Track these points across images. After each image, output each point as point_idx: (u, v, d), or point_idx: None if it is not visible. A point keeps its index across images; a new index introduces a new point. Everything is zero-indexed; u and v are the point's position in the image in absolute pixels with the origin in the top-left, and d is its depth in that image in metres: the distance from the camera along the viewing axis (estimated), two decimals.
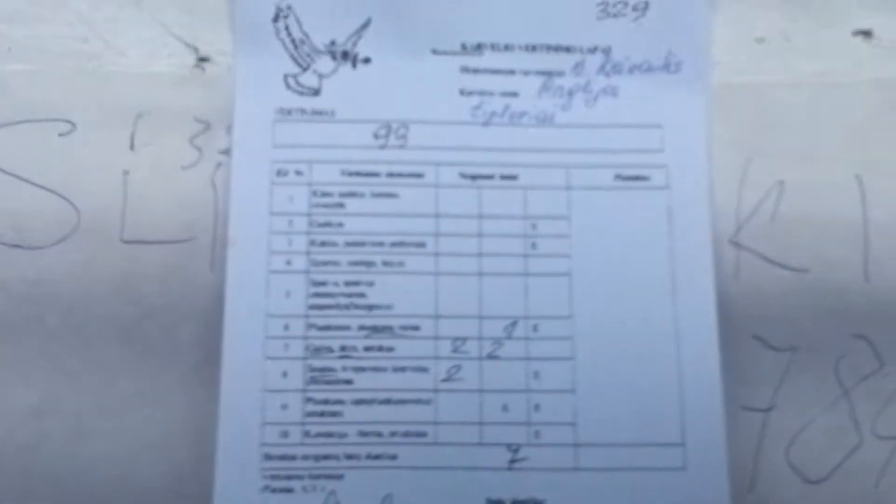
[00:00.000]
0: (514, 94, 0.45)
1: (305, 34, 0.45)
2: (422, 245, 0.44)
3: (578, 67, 0.45)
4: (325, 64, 0.45)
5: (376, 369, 0.43)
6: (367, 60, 0.45)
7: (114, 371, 0.44)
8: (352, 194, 0.44)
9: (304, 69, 0.45)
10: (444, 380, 0.43)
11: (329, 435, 0.43)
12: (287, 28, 0.45)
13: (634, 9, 0.45)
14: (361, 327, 0.43)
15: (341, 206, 0.44)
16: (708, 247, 0.44)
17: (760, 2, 0.46)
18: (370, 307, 0.44)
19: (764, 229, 0.45)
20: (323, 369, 0.43)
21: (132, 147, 0.45)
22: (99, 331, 0.44)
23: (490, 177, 0.45)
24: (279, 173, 0.44)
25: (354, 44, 0.45)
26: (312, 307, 0.43)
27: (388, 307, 0.44)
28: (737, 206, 0.45)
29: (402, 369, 0.43)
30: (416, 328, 0.43)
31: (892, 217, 0.45)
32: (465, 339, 0.43)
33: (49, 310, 0.44)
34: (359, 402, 0.43)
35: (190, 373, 0.44)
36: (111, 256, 0.44)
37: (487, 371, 0.43)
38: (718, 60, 0.46)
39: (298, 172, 0.44)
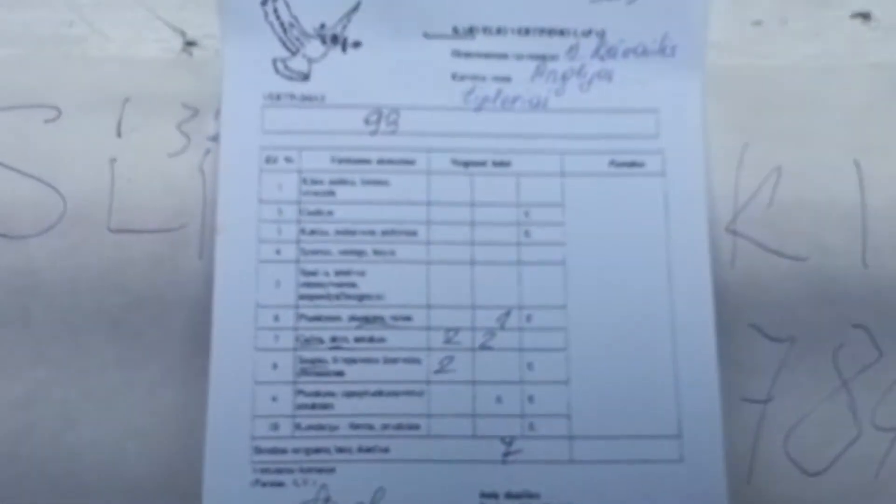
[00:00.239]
0: (507, 79, 0.44)
1: (294, 17, 0.44)
2: (413, 233, 0.43)
3: (572, 51, 0.44)
4: (314, 48, 0.44)
5: (368, 360, 0.43)
6: (357, 44, 0.44)
7: (102, 361, 0.43)
8: (342, 182, 0.44)
9: (294, 53, 0.44)
10: (437, 371, 0.42)
11: (320, 427, 0.42)
12: (276, 11, 0.44)
13: None
14: (352, 318, 0.43)
15: (332, 193, 0.43)
16: (704, 235, 0.43)
17: None
18: (361, 297, 0.43)
19: (761, 216, 0.44)
20: (313, 360, 0.42)
21: (119, 134, 0.44)
22: (86, 321, 0.43)
23: (482, 163, 0.44)
24: (268, 160, 0.43)
25: (344, 27, 0.44)
26: (303, 297, 0.43)
27: (380, 297, 0.43)
28: (734, 192, 0.44)
29: (394, 360, 0.42)
30: (407, 318, 0.43)
31: (891, 202, 0.45)
32: (457, 330, 0.43)
33: (35, 300, 0.43)
34: (350, 394, 0.42)
35: (179, 362, 0.43)
36: (98, 245, 0.44)
37: (480, 362, 0.43)
38: (715, 43, 0.45)
39: (288, 159, 0.44)
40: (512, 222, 0.43)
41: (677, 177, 0.44)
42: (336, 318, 0.43)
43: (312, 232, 0.43)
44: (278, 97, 0.44)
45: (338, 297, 0.43)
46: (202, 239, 0.44)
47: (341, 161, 0.44)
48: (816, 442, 0.44)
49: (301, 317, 0.43)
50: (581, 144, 0.44)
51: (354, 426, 0.42)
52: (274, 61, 0.44)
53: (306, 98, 0.44)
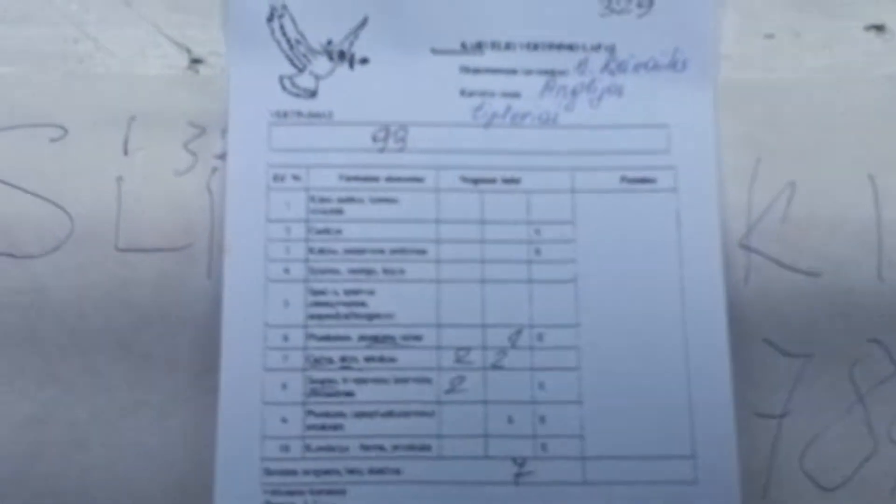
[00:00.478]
0: (516, 95, 0.44)
1: (301, 34, 0.44)
2: (423, 252, 0.43)
3: (582, 66, 0.44)
4: (321, 65, 0.44)
5: (378, 381, 0.42)
6: (364, 61, 0.44)
7: (110, 380, 0.43)
8: (350, 200, 0.43)
9: (301, 70, 0.44)
10: (448, 391, 0.42)
11: (330, 449, 0.42)
12: (282, 28, 0.44)
13: (639, 5, 0.44)
14: (362, 337, 0.42)
15: (340, 212, 0.43)
16: (717, 251, 0.43)
17: None
18: (371, 316, 0.43)
19: (775, 231, 0.44)
20: (323, 381, 0.42)
21: (125, 152, 0.44)
22: (94, 340, 0.43)
23: (492, 180, 0.43)
24: (276, 178, 0.43)
25: (351, 44, 0.44)
26: (312, 317, 0.42)
27: (389, 316, 0.43)
28: (747, 208, 0.44)
29: (405, 380, 0.42)
30: (418, 338, 0.42)
31: None
32: (468, 349, 0.42)
33: (43, 319, 0.43)
34: (360, 414, 0.42)
35: (188, 381, 0.43)
36: (106, 264, 0.43)
37: (492, 382, 0.42)
38: (727, 57, 0.44)
39: (296, 177, 0.43)
40: (522, 240, 0.43)
41: (689, 193, 0.43)
42: (346, 338, 0.42)
43: (321, 251, 0.43)
44: (285, 115, 0.44)
45: (347, 316, 0.43)
46: (210, 257, 0.43)
47: (349, 179, 0.43)
48: (832, 457, 0.43)
49: (310, 336, 0.42)
50: (591, 161, 0.43)
51: (365, 447, 0.42)
52: (281, 78, 0.44)
53: (314, 115, 0.44)
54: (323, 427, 0.42)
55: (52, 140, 0.44)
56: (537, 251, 0.43)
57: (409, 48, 0.44)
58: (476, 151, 0.44)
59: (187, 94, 0.44)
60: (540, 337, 0.42)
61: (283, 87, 0.44)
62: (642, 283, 0.43)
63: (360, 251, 0.43)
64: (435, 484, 0.42)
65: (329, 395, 0.42)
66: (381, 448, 0.42)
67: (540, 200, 0.43)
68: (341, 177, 0.43)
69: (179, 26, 0.44)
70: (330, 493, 0.42)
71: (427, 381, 0.42)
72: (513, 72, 0.44)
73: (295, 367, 0.42)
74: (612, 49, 0.44)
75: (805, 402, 0.43)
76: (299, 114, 0.44)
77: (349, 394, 0.42)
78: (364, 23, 0.44)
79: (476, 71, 0.44)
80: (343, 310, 0.43)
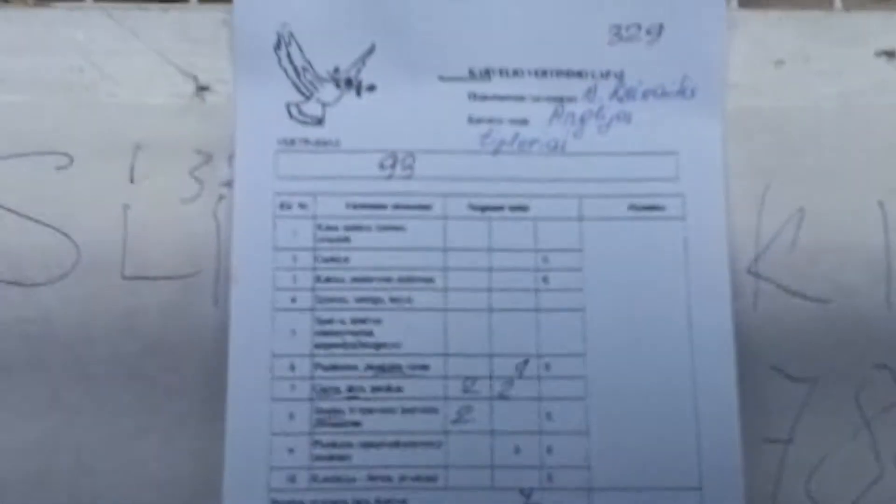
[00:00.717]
0: (524, 122, 0.44)
1: (308, 61, 0.44)
2: (430, 280, 0.43)
3: (590, 93, 0.44)
4: (328, 92, 0.44)
5: (385, 410, 0.42)
6: (371, 88, 0.44)
7: (116, 406, 0.43)
8: (357, 228, 0.43)
9: (307, 98, 0.44)
10: (455, 421, 0.42)
11: (338, 480, 0.42)
12: (289, 55, 0.44)
13: (648, 32, 0.43)
14: (369, 367, 0.42)
15: (347, 240, 0.43)
16: (725, 279, 0.43)
17: (779, 22, 0.45)
18: (378, 345, 0.42)
19: (783, 258, 0.44)
20: (330, 411, 0.42)
21: (132, 180, 0.44)
22: (101, 367, 0.43)
23: (500, 208, 0.43)
24: (282, 206, 0.43)
25: (358, 71, 0.44)
26: (318, 346, 0.42)
27: (396, 345, 0.42)
28: (755, 235, 0.44)
29: (412, 410, 0.42)
30: (425, 367, 0.42)
31: None
32: (475, 379, 0.42)
33: (49, 347, 0.43)
34: (367, 444, 0.42)
35: (194, 408, 0.43)
36: (112, 293, 0.43)
37: (498, 412, 0.42)
38: (736, 83, 0.44)
39: (302, 205, 0.43)
40: (530, 268, 0.43)
41: (698, 221, 0.43)
42: (352, 367, 0.42)
43: (328, 279, 0.43)
44: (292, 142, 0.43)
45: (354, 345, 0.42)
46: (217, 285, 0.43)
47: (356, 206, 0.43)
48: (838, 482, 0.43)
49: (317, 366, 0.42)
50: (600, 188, 0.43)
51: (372, 478, 0.42)
52: (287, 106, 0.44)
53: (321, 143, 0.44)
54: (330, 458, 0.42)
55: (59, 168, 0.44)
56: (545, 279, 0.43)
57: (417, 75, 0.44)
58: (484, 179, 0.43)
59: (194, 122, 0.44)
60: (547, 366, 0.42)
61: (290, 115, 0.44)
62: (650, 311, 0.43)
63: (368, 279, 0.43)
64: None
65: (336, 425, 0.42)
66: (387, 479, 0.42)
67: (548, 228, 0.43)
68: (348, 205, 0.43)
69: (186, 54, 0.44)
70: None
71: (434, 410, 0.42)
72: (521, 99, 0.44)
73: (302, 397, 0.42)
74: (620, 76, 0.44)
75: (811, 427, 0.43)
76: (306, 141, 0.44)
77: (356, 424, 0.42)
78: (371, 50, 0.44)
79: (484, 98, 0.44)
80: (350, 339, 0.43)
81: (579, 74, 0.44)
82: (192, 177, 0.44)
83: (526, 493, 0.42)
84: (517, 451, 0.42)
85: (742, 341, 0.43)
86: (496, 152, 0.44)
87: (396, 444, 0.42)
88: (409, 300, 0.43)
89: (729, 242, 0.43)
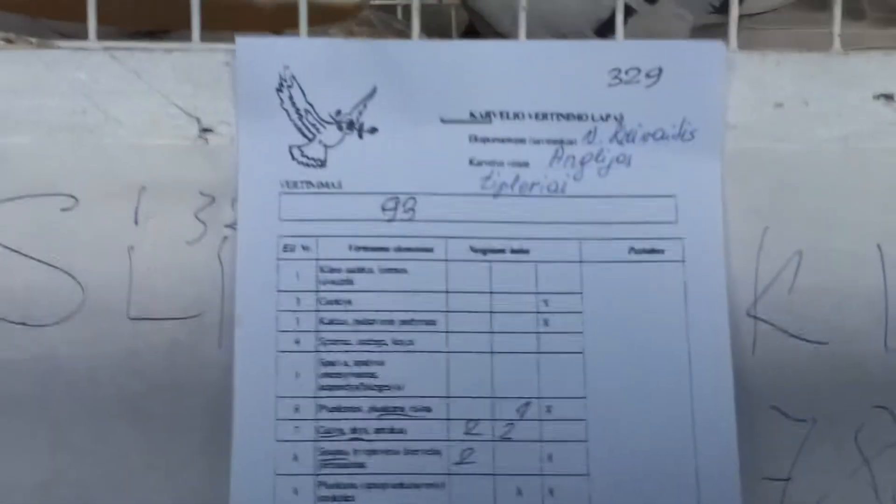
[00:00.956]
0: (525, 164, 0.44)
1: (310, 104, 0.44)
2: (432, 322, 0.43)
3: (590, 136, 0.44)
4: (330, 134, 0.44)
5: (388, 452, 0.43)
6: (373, 130, 0.44)
7: (122, 446, 0.44)
8: (360, 270, 0.43)
9: (310, 140, 0.44)
10: (457, 463, 0.42)
11: None
12: (291, 98, 0.44)
13: (648, 76, 0.44)
14: (373, 408, 0.43)
15: (349, 282, 0.43)
16: (725, 321, 0.43)
17: (778, 65, 0.45)
18: (381, 387, 0.43)
19: (782, 301, 0.44)
20: (335, 452, 0.43)
21: (136, 221, 0.44)
22: (106, 407, 0.44)
23: (501, 251, 0.44)
24: (285, 248, 0.43)
25: (360, 113, 0.44)
26: (322, 388, 0.43)
27: (399, 387, 0.43)
28: (754, 277, 0.44)
29: (415, 452, 0.43)
30: (427, 409, 0.43)
31: None
32: (477, 421, 0.43)
33: (55, 387, 0.44)
34: (371, 486, 0.42)
35: (199, 447, 0.44)
36: (118, 333, 0.44)
37: (500, 454, 0.43)
38: (735, 126, 0.44)
39: (305, 247, 0.43)
40: (531, 311, 0.43)
41: (697, 264, 0.44)
42: (356, 409, 0.43)
43: (331, 321, 0.43)
44: (295, 184, 0.44)
45: (357, 387, 0.43)
46: (221, 326, 0.44)
47: (359, 249, 0.44)
48: None
49: (321, 408, 0.43)
50: (600, 231, 0.44)
51: None
52: (290, 148, 0.44)
53: (323, 185, 0.44)
54: (334, 499, 0.42)
55: (63, 209, 0.44)
56: (545, 322, 0.43)
57: (418, 117, 0.44)
58: (485, 221, 0.44)
59: (197, 164, 0.44)
60: (548, 409, 0.43)
61: (293, 157, 0.44)
62: (649, 353, 0.43)
63: (370, 322, 0.43)
64: None
65: (340, 466, 0.43)
66: None
67: (548, 271, 0.44)
68: (351, 247, 0.44)
69: (189, 96, 0.45)
70: None
71: (437, 452, 0.43)
72: (521, 141, 0.44)
73: (307, 439, 0.43)
74: (620, 119, 0.44)
75: (810, 466, 0.44)
76: (309, 183, 0.44)
77: (360, 465, 0.43)
78: (373, 93, 0.44)
79: (485, 140, 0.44)
80: (354, 381, 0.43)
81: (579, 117, 0.44)
82: (196, 218, 0.44)
83: None
84: (519, 492, 0.42)
85: (741, 382, 0.43)
86: (497, 195, 0.44)
87: (400, 486, 0.42)
88: (411, 342, 0.43)
89: (728, 285, 0.44)
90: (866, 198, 0.45)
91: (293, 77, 0.44)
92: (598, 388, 0.43)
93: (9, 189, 0.44)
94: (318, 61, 0.44)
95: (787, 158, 0.45)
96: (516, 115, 0.44)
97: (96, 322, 0.44)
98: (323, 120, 0.44)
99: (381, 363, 0.43)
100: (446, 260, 0.44)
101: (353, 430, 0.43)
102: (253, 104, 0.44)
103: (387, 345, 0.43)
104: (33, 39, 0.45)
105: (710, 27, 0.60)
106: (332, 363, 0.43)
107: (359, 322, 0.43)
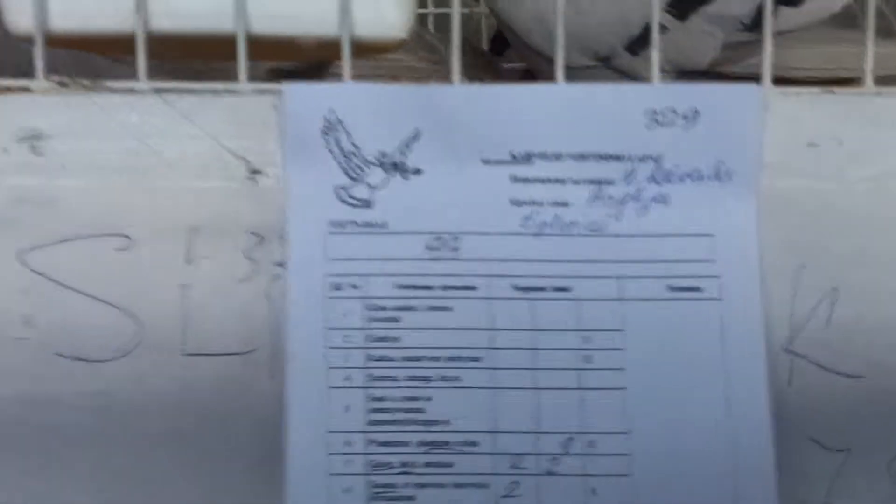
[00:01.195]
0: (565, 204, 0.45)
1: (355, 146, 0.45)
2: (477, 359, 0.45)
3: (629, 176, 0.45)
4: (375, 175, 0.45)
5: (437, 485, 0.44)
6: (417, 171, 0.45)
7: (175, 479, 0.45)
8: (407, 308, 0.45)
9: (355, 181, 0.45)
10: (504, 496, 0.44)
11: None
12: (337, 140, 0.45)
13: (684, 117, 0.45)
14: (421, 443, 0.44)
15: (396, 320, 0.45)
16: (762, 357, 0.44)
17: (812, 105, 0.46)
18: (428, 422, 0.44)
19: (818, 336, 0.45)
20: (385, 485, 0.44)
21: (188, 261, 0.46)
22: (160, 440, 0.45)
23: (542, 289, 0.45)
24: (334, 287, 0.45)
25: (404, 155, 0.45)
26: (372, 423, 0.44)
27: (446, 423, 0.44)
28: (790, 313, 0.45)
29: (462, 486, 0.44)
30: (474, 444, 0.44)
31: None
32: (522, 456, 0.44)
33: (113, 420, 0.45)
34: None
35: (251, 479, 0.45)
36: (172, 368, 0.46)
37: (545, 487, 0.44)
38: (770, 165, 0.45)
39: (353, 286, 0.45)
40: (573, 347, 0.45)
41: (734, 301, 0.45)
42: (405, 444, 0.44)
43: (380, 358, 0.45)
44: (342, 224, 0.45)
45: (405, 422, 0.44)
46: (272, 362, 0.45)
47: (405, 287, 0.45)
48: None
49: (371, 442, 0.44)
50: (639, 269, 0.45)
51: None
52: (336, 189, 0.45)
53: (369, 225, 0.45)
54: None
55: (118, 249, 0.45)
56: (587, 358, 0.45)
57: (461, 159, 0.45)
58: (526, 260, 0.45)
59: (247, 204, 0.46)
60: (591, 444, 0.44)
61: (339, 198, 0.45)
62: (689, 388, 0.44)
63: (417, 358, 0.45)
64: None
65: (391, 499, 0.44)
66: None
67: (589, 308, 0.45)
68: (396, 285, 0.45)
69: (237, 138, 0.46)
70: None
71: (484, 486, 0.44)
72: (561, 182, 0.45)
73: (357, 472, 0.44)
74: (658, 160, 0.45)
75: (845, 493, 0.45)
76: (355, 223, 0.45)
77: (410, 498, 0.44)
78: (416, 135, 0.45)
79: (526, 181, 0.45)
80: (402, 416, 0.45)
81: (618, 158, 0.45)
82: (246, 257, 0.46)
83: None
84: None
85: (778, 413, 0.45)
86: (538, 234, 0.45)
87: None
88: (457, 378, 0.45)
89: (764, 320, 0.45)
90: None
91: (339, 120, 0.45)
92: (639, 422, 0.44)
93: (66, 230, 0.46)
94: (363, 105, 0.45)
95: (821, 196, 0.46)
96: (556, 157, 0.45)
97: (151, 358, 0.45)
98: (368, 161, 0.45)
99: (428, 399, 0.45)
100: (489, 298, 0.45)
101: (403, 465, 0.44)
102: (300, 147, 0.45)
103: (434, 381, 0.45)
104: (86, 81, 0.46)
105: (740, 44, 0.61)
106: (381, 399, 0.45)
107: (406, 359, 0.45)
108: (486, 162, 0.45)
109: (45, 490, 0.45)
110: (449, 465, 0.44)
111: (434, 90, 0.45)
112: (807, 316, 0.45)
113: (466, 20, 0.72)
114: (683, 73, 0.60)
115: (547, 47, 0.59)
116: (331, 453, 0.44)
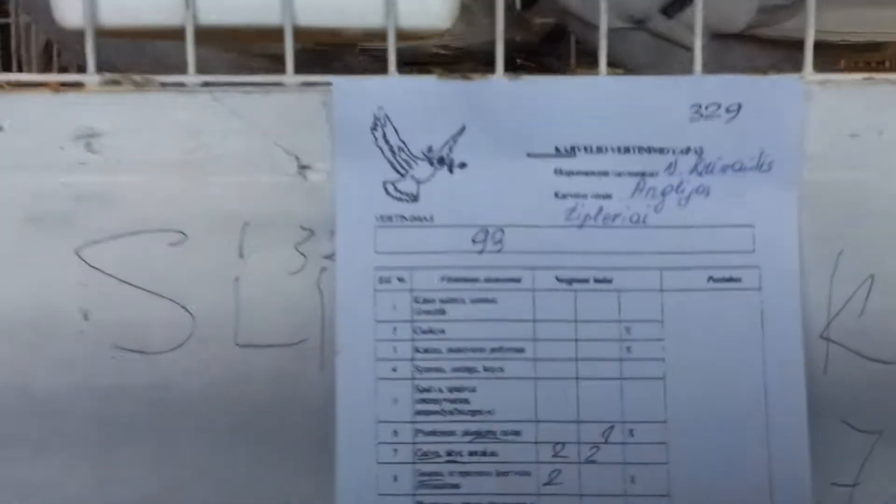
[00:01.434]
0: (608, 196, 0.46)
1: (403, 141, 0.46)
2: (520, 350, 0.46)
3: (671, 168, 0.46)
4: (422, 170, 0.46)
5: (481, 474, 0.46)
6: (463, 165, 0.46)
7: (230, 466, 0.47)
8: (452, 300, 0.46)
9: (403, 175, 0.46)
10: (546, 484, 0.45)
11: None
12: (385, 136, 0.46)
13: (728, 110, 0.45)
14: (466, 432, 0.46)
15: (442, 312, 0.46)
16: (799, 347, 0.45)
17: (853, 96, 0.46)
18: (473, 412, 0.46)
19: (854, 323, 0.46)
20: (431, 474, 0.46)
21: (241, 255, 0.47)
22: (215, 428, 0.47)
23: (585, 280, 0.46)
24: (382, 280, 0.46)
25: (450, 149, 0.46)
26: (419, 413, 0.46)
27: (490, 412, 0.46)
28: (827, 300, 0.46)
29: (506, 474, 0.45)
30: (517, 433, 0.46)
31: None
32: (564, 444, 0.45)
33: (169, 410, 0.47)
34: None
35: (303, 466, 0.47)
36: (226, 359, 0.47)
37: (586, 475, 0.45)
38: (810, 155, 0.46)
39: (401, 279, 0.46)
40: (614, 338, 0.46)
41: (773, 291, 0.46)
42: (451, 433, 0.46)
43: (426, 350, 0.46)
44: (390, 218, 0.46)
45: (451, 412, 0.46)
46: (322, 352, 0.47)
47: (451, 280, 0.46)
48: None
49: (418, 432, 0.46)
50: (680, 260, 0.46)
51: None
52: (384, 183, 0.46)
53: (416, 218, 0.46)
54: None
55: (172, 245, 0.47)
56: (628, 349, 0.46)
57: (506, 153, 0.46)
58: (570, 252, 0.46)
59: (297, 199, 0.47)
60: (631, 433, 0.45)
61: (387, 192, 0.46)
62: (726, 378, 0.45)
63: (462, 350, 0.46)
64: None
65: (436, 487, 0.46)
66: None
67: (630, 299, 0.46)
68: (443, 278, 0.46)
69: (287, 134, 0.47)
70: None
71: (527, 473, 0.45)
72: (604, 174, 0.46)
73: (405, 461, 0.46)
74: (700, 152, 0.46)
75: (875, 473, 0.47)
76: (402, 217, 0.46)
77: (455, 486, 0.46)
78: (462, 130, 0.46)
79: (570, 174, 0.46)
80: (448, 406, 0.46)
81: (661, 151, 0.46)
82: (296, 251, 0.47)
83: None
84: None
85: (813, 398, 0.46)
86: (581, 226, 0.46)
87: None
88: (501, 369, 0.46)
89: (802, 309, 0.46)
90: None
91: (387, 116, 0.46)
92: (678, 412, 0.45)
93: (122, 226, 0.47)
94: (410, 101, 0.46)
95: (860, 186, 0.46)
96: (599, 149, 0.46)
97: (206, 349, 0.47)
98: (415, 156, 0.46)
99: (473, 389, 0.46)
100: (533, 290, 0.46)
101: (448, 454, 0.46)
102: (348, 142, 0.46)
103: (478, 372, 0.46)
104: (138, 77, 0.48)
105: (777, 7, 0.60)
106: (427, 390, 0.46)
107: (452, 350, 0.46)
108: (531, 155, 0.46)
109: (104, 479, 0.47)
110: (493, 454, 0.46)
111: (479, 85, 0.46)
112: (843, 303, 0.46)
113: None
114: (716, 36, 0.60)
115: (580, 7, 0.60)
116: (379, 442, 0.46)
